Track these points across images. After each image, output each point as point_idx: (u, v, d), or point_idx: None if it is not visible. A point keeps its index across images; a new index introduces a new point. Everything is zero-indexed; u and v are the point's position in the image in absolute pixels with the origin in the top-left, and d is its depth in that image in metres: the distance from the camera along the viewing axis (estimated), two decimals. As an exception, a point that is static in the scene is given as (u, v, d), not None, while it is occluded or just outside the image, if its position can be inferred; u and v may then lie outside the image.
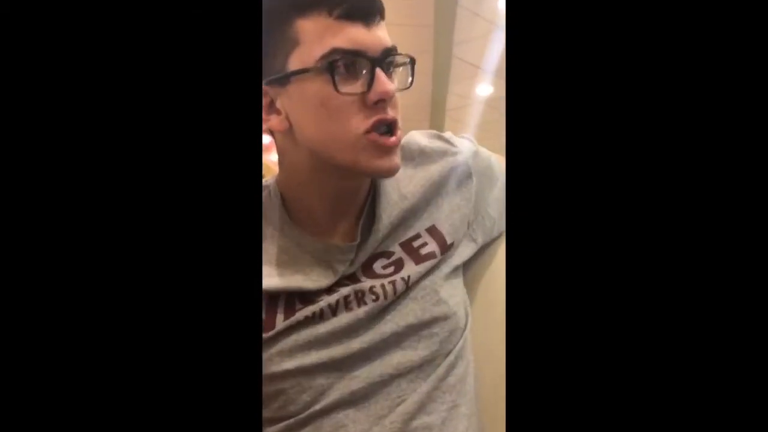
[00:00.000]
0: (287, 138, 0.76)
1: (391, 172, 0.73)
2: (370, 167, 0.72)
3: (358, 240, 0.79)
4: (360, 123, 0.70)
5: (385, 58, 0.71)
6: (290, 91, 0.73)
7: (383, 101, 0.71)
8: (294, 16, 0.71)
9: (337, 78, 0.69)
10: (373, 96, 0.70)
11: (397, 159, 0.73)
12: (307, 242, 0.79)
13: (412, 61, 0.74)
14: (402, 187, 0.83)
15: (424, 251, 0.81)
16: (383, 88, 0.70)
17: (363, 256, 0.80)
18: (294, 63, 0.71)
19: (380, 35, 0.72)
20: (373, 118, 0.71)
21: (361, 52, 0.70)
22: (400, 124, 0.73)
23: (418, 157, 0.85)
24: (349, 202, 0.80)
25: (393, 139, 0.71)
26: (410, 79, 0.75)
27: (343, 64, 0.69)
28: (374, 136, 0.71)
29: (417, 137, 0.86)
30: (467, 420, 0.79)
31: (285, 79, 0.72)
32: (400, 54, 0.73)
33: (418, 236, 0.82)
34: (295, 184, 0.79)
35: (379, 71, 0.70)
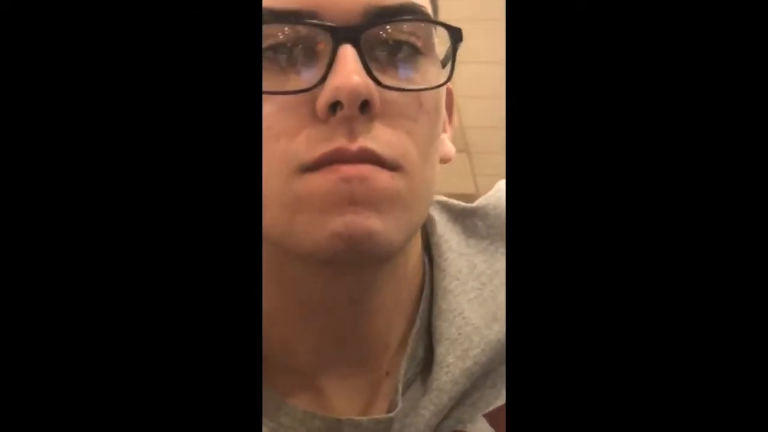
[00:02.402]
0: None
1: (350, 244, 0.41)
2: (309, 239, 0.42)
3: (399, 406, 0.47)
4: (301, 151, 0.41)
5: (369, 27, 0.41)
6: None
7: (343, 107, 0.40)
8: None
9: (267, 66, 0.42)
10: (323, 97, 0.41)
11: (371, 221, 0.41)
12: (293, 418, 0.48)
13: (455, 35, 0.44)
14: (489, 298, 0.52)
15: None
16: (339, 82, 0.40)
17: None
18: None
19: None
20: (329, 145, 0.41)
21: (312, 14, 0.41)
22: (405, 159, 0.43)
23: None
24: (360, 327, 0.48)
25: (359, 168, 0.41)
26: (450, 67, 0.45)
27: (281, 40, 0.42)
28: (327, 171, 0.41)
29: None
30: None
31: None
32: (423, 19, 0.43)
33: None
34: None
35: (346, 51, 0.41)
